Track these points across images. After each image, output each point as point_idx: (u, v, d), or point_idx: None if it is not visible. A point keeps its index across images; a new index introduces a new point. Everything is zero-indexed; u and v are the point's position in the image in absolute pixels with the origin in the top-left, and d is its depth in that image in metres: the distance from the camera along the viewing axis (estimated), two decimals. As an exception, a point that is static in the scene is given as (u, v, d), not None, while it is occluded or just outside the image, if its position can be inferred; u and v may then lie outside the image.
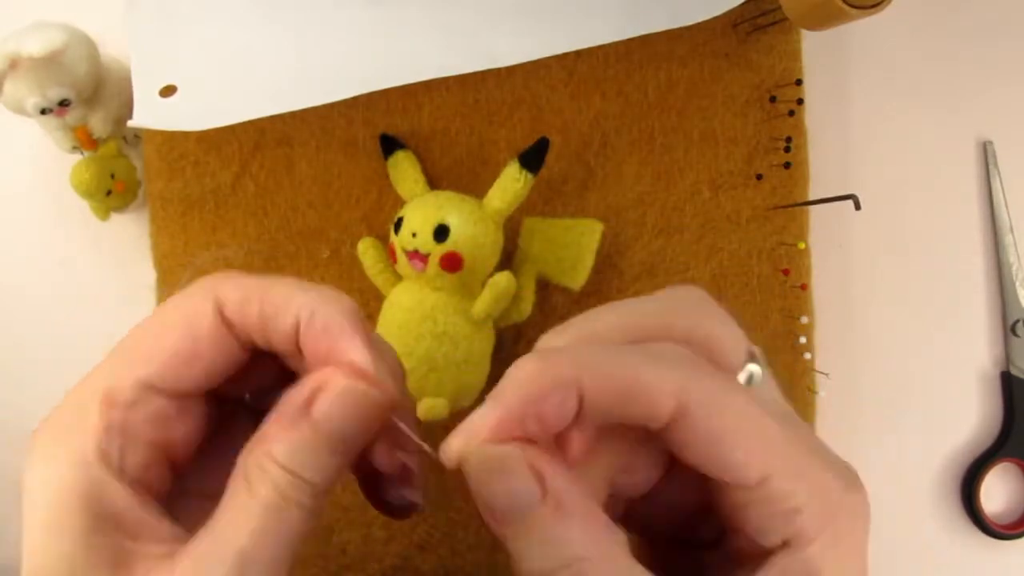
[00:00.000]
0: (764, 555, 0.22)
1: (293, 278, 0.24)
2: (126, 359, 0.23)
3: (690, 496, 0.24)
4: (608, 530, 0.20)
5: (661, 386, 0.20)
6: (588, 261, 0.38)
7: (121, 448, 0.22)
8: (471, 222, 0.35)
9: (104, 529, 0.21)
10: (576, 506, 0.20)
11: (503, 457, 0.20)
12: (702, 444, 0.21)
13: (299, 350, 0.23)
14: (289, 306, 0.23)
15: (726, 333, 0.23)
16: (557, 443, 0.22)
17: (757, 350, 0.24)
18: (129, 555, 0.21)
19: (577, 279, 0.38)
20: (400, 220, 0.36)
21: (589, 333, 0.23)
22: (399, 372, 0.25)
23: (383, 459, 0.24)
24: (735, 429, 0.21)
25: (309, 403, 0.22)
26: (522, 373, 0.20)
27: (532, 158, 0.36)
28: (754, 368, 0.23)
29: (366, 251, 0.38)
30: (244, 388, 0.25)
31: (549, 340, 0.23)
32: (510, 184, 0.36)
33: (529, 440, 0.20)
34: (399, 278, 0.37)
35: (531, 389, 0.20)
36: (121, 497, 0.22)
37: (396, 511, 0.26)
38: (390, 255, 0.37)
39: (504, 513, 0.20)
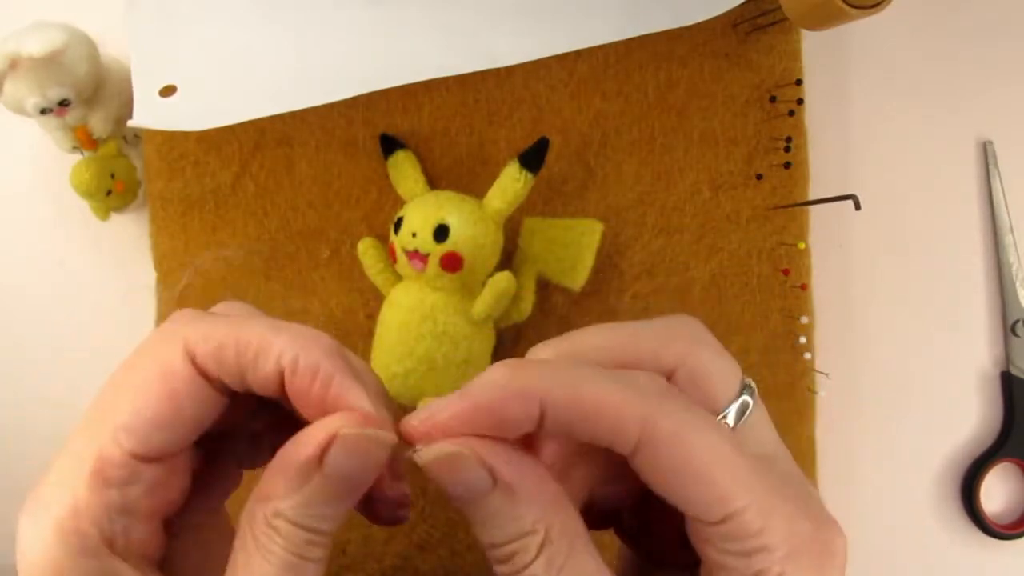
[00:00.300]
0: None
1: (262, 317, 0.24)
2: (109, 428, 0.22)
3: (670, 520, 0.24)
4: (560, 506, 0.22)
5: (626, 412, 0.21)
6: (588, 261, 0.38)
7: (126, 528, 0.22)
8: (471, 222, 0.35)
9: None
10: (527, 490, 0.22)
11: (454, 455, 0.21)
12: (666, 475, 0.21)
13: (283, 393, 0.23)
14: (268, 352, 0.22)
15: (718, 366, 0.24)
16: (531, 445, 0.23)
17: (752, 384, 0.24)
18: None
19: (577, 279, 0.38)
20: (400, 220, 0.36)
21: (574, 350, 0.24)
22: (384, 393, 0.25)
23: (383, 490, 0.25)
24: (700, 464, 0.21)
25: (318, 456, 0.22)
26: (492, 376, 0.22)
27: (532, 158, 0.36)
28: (747, 400, 0.23)
29: (366, 251, 0.38)
30: (224, 424, 0.25)
31: (537, 352, 0.24)
32: (510, 184, 0.36)
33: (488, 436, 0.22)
34: (399, 278, 0.37)
35: (495, 393, 0.21)
36: (121, 573, 0.22)
37: (385, 522, 0.26)
38: (390, 255, 0.37)
39: (460, 499, 0.22)
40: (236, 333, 0.23)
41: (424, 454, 0.22)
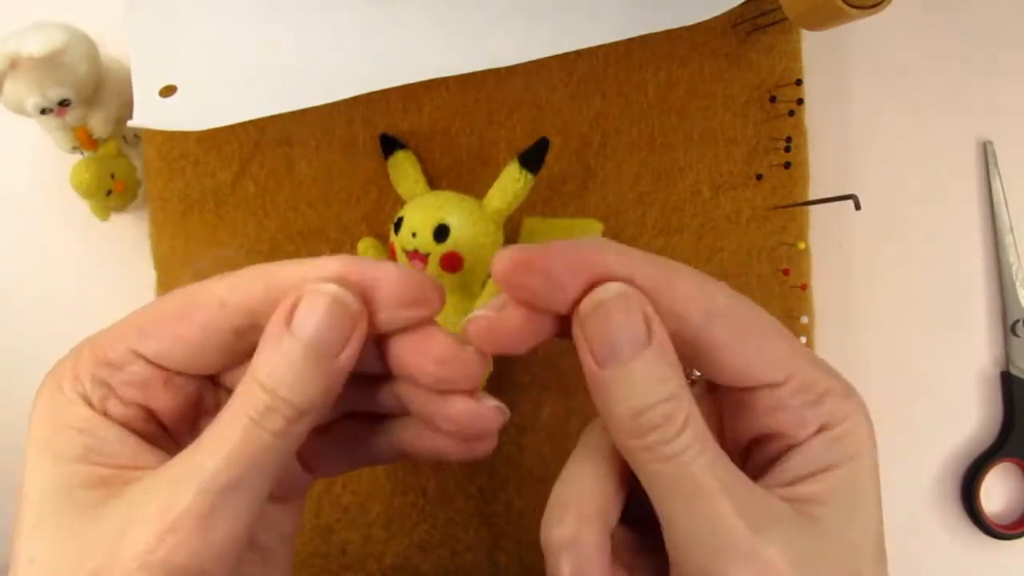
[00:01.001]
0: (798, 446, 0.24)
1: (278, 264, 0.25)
2: (126, 326, 0.24)
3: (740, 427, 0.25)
4: (688, 391, 0.23)
5: (690, 293, 0.23)
6: None
7: (102, 398, 0.24)
8: (471, 222, 0.35)
9: (92, 455, 0.23)
10: (672, 355, 0.22)
11: (626, 295, 0.22)
12: (730, 350, 0.23)
13: None
14: (304, 279, 0.23)
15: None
16: None
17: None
18: (117, 475, 0.23)
19: None
20: (400, 220, 0.36)
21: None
22: (417, 285, 0.24)
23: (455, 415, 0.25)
24: (758, 334, 0.24)
25: (289, 318, 0.22)
26: (596, 242, 0.23)
27: (532, 158, 0.36)
28: None
29: (366, 251, 0.38)
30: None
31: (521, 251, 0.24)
32: (510, 184, 0.36)
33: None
34: None
35: (598, 257, 0.22)
36: (107, 429, 0.23)
37: (461, 455, 0.27)
38: (390, 255, 0.37)
39: (612, 351, 0.22)
40: (267, 270, 0.24)
41: (594, 296, 0.22)
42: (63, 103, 0.37)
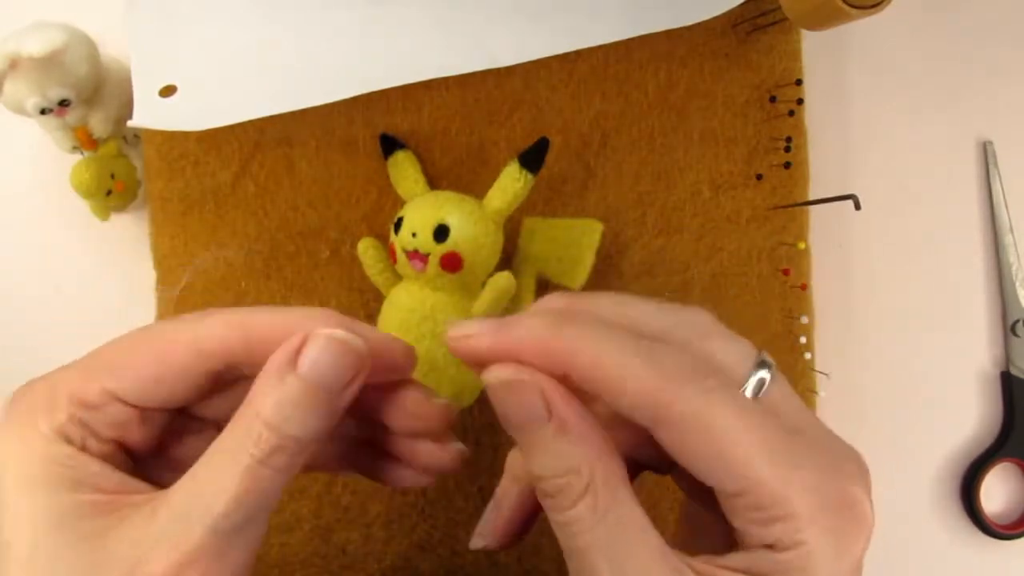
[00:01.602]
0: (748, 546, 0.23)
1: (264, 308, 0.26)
2: (98, 365, 0.25)
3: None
4: (606, 455, 0.23)
5: (643, 391, 0.22)
6: (588, 261, 0.38)
7: (82, 437, 0.24)
8: (471, 222, 0.35)
9: (82, 487, 0.23)
10: (578, 430, 0.23)
11: (518, 382, 0.23)
12: (682, 453, 0.22)
13: None
14: (287, 329, 0.24)
15: (730, 346, 0.24)
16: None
17: (770, 360, 0.24)
18: (111, 503, 0.23)
19: (577, 279, 0.38)
20: (400, 220, 0.36)
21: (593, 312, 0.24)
22: (399, 350, 0.26)
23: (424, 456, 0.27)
24: (714, 444, 0.22)
25: (294, 356, 0.23)
26: (532, 322, 0.23)
27: (532, 158, 0.36)
28: (764, 374, 0.23)
29: (366, 251, 0.38)
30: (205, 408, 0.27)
31: (552, 302, 0.25)
32: (510, 184, 0.36)
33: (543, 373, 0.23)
34: (399, 278, 0.37)
35: (529, 343, 0.23)
36: (90, 463, 0.23)
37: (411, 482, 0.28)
38: (390, 255, 0.37)
39: (517, 426, 0.23)
40: (248, 316, 0.25)
41: (490, 375, 0.23)
42: (63, 103, 0.37)
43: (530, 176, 0.36)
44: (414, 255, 0.35)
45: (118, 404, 0.24)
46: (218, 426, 0.25)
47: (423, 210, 0.35)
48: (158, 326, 0.26)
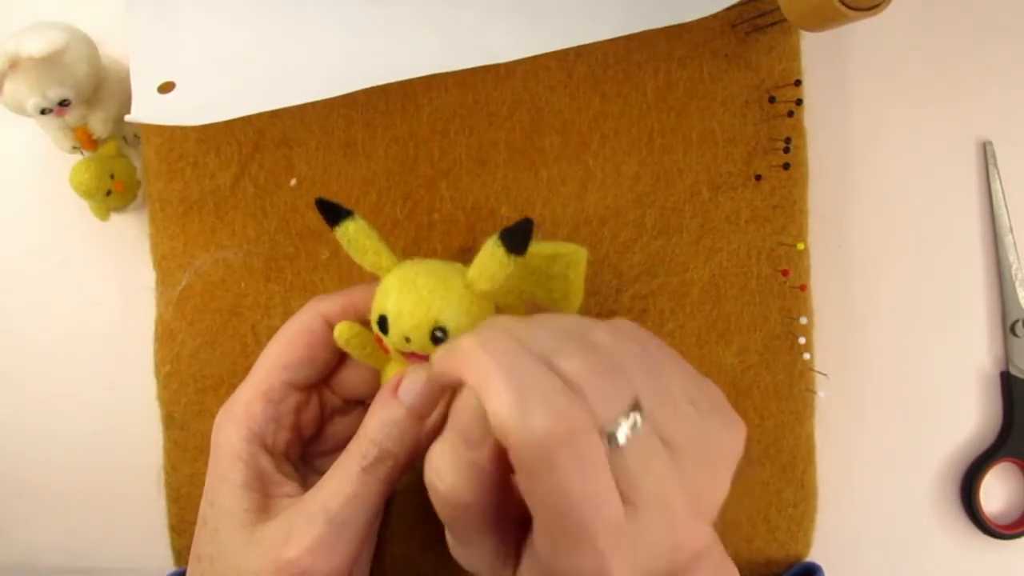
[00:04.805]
0: None
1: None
2: (276, 365, 0.34)
3: None
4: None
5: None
6: (578, 289, 0.35)
7: (275, 432, 0.34)
8: (466, 314, 0.32)
9: (254, 483, 0.33)
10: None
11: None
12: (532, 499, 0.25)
13: None
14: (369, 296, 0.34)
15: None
16: None
17: (639, 412, 0.26)
18: (267, 501, 0.33)
19: (571, 306, 0.35)
20: (384, 319, 0.32)
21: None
22: None
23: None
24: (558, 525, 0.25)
25: (394, 390, 0.32)
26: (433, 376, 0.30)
27: (517, 240, 0.31)
28: (636, 418, 0.26)
29: (348, 341, 0.34)
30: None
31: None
32: (498, 270, 0.31)
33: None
34: (389, 357, 0.35)
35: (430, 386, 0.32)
36: (267, 462, 0.34)
37: None
38: (377, 344, 0.34)
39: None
40: (353, 293, 0.35)
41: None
42: (63, 103, 0.37)
43: (515, 258, 0.31)
44: (412, 356, 0.32)
45: (295, 392, 0.35)
46: (361, 404, 0.37)
47: (410, 310, 0.32)
48: (294, 318, 0.35)
